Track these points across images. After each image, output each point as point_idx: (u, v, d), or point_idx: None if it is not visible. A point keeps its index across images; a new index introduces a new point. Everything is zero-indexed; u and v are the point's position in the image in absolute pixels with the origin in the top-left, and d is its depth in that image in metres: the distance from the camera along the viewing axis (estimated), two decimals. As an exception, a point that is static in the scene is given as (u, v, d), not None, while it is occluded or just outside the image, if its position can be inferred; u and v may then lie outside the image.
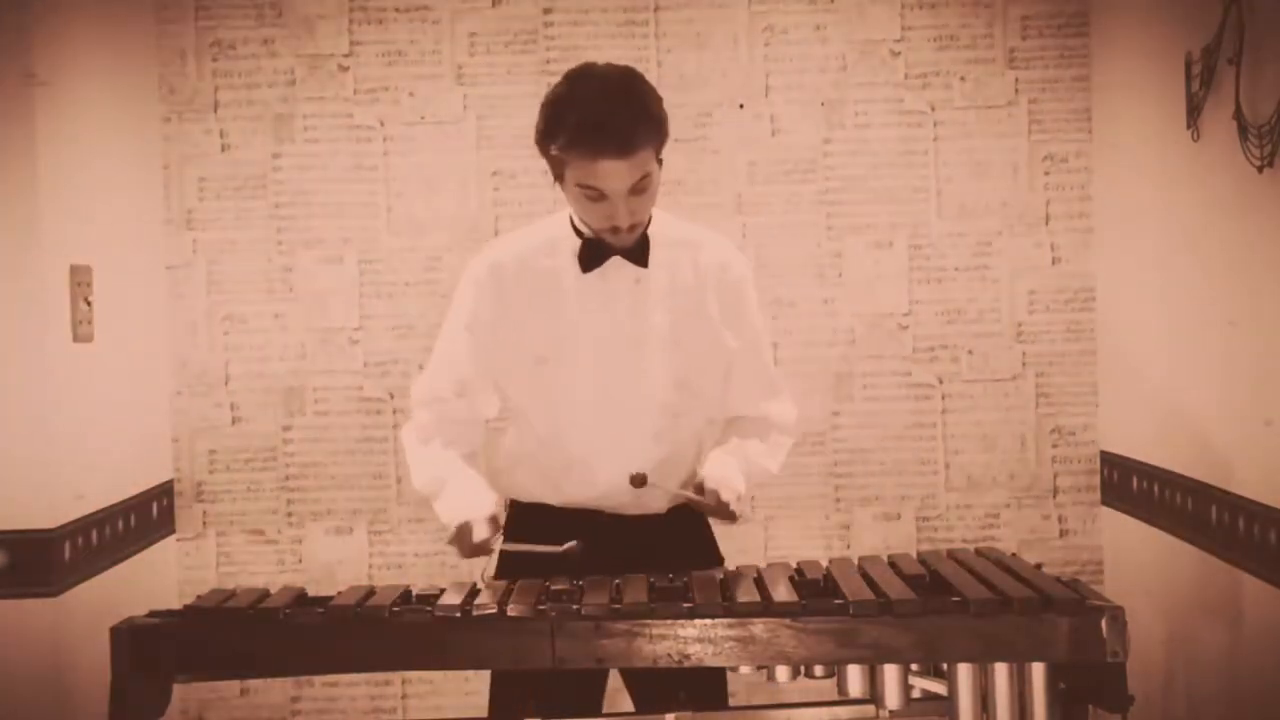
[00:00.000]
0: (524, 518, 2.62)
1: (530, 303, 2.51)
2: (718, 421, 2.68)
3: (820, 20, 3.89)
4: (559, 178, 2.43)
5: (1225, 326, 3.02)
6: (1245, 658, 2.98)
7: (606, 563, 2.37)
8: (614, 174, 2.34)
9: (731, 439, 2.63)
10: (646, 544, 2.50)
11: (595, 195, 2.38)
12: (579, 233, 2.50)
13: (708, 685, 2.41)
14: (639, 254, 2.48)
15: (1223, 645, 3.09)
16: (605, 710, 2.59)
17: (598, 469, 2.52)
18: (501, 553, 2.57)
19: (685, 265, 2.54)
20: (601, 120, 2.32)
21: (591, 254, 2.48)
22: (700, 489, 2.47)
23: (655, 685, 2.37)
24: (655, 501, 2.56)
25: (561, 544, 2.42)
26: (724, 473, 2.51)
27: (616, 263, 2.48)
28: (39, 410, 2.97)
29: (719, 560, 2.66)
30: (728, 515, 2.48)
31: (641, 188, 2.39)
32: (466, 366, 2.56)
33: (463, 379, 2.57)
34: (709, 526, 2.69)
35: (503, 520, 2.49)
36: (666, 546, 2.52)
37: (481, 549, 2.43)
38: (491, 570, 2.57)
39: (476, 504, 2.46)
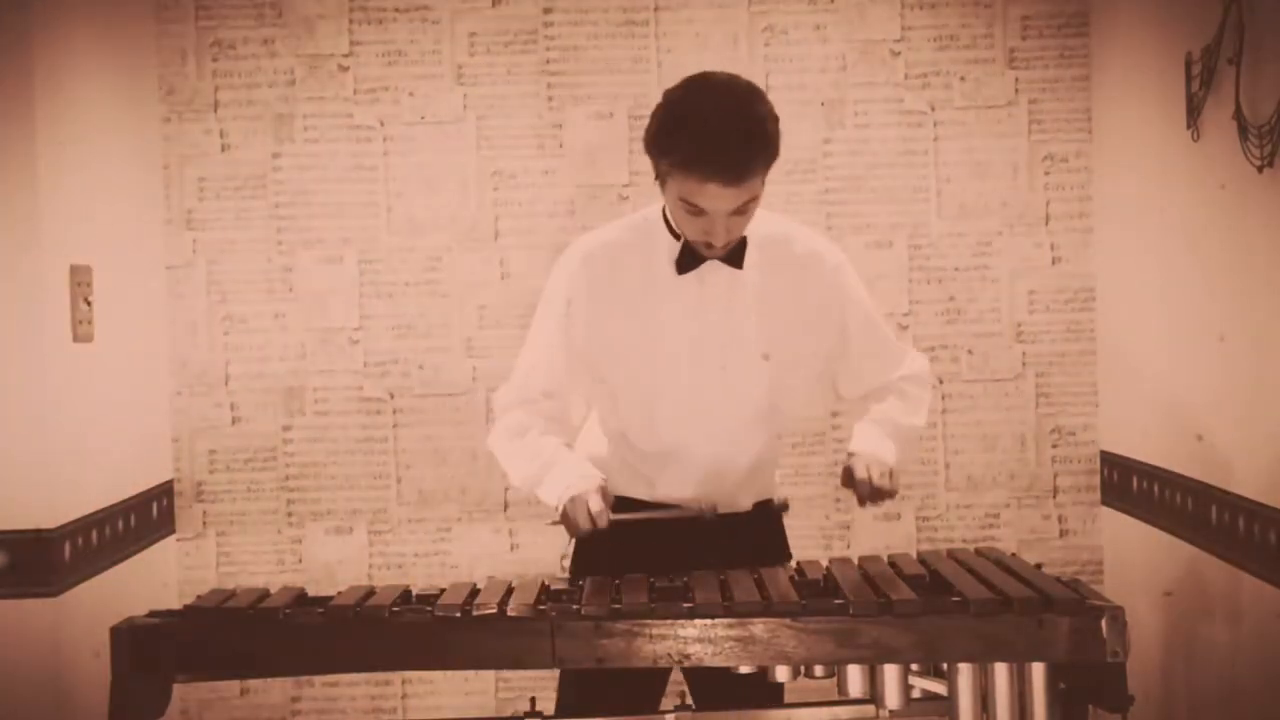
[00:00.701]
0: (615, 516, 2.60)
1: (624, 299, 2.49)
2: (842, 396, 2.69)
3: (820, 20, 3.89)
4: (660, 180, 2.39)
5: (1225, 326, 3.02)
6: (1245, 658, 2.98)
7: (682, 558, 2.36)
8: (720, 198, 2.31)
9: (870, 406, 2.60)
10: (725, 541, 2.49)
11: (695, 211, 2.34)
12: (674, 233, 2.47)
13: (763, 681, 2.39)
14: (735, 256, 2.45)
15: (1223, 645, 3.09)
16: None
17: (691, 468, 2.52)
18: (596, 538, 2.50)
19: (780, 261, 2.51)
20: (718, 147, 2.25)
21: (688, 256, 2.45)
22: (849, 477, 2.44)
23: (711, 683, 2.36)
24: (741, 498, 2.56)
25: (650, 542, 2.41)
26: (870, 448, 2.49)
27: (712, 264, 2.45)
28: (39, 410, 2.97)
29: (788, 557, 2.65)
30: (885, 494, 2.44)
31: (744, 210, 2.36)
32: (559, 365, 2.53)
33: (552, 378, 2.54)
34: (783, 526, 2.69)
35: (611, 497, 2.46)
36: (743, 543, 2.51)
37: (595, 521, 2.39)
38: (569, 559, 2.56)
39: (586, 476, 2.44)
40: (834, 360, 2.61)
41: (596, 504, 2.39)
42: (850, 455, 2.50)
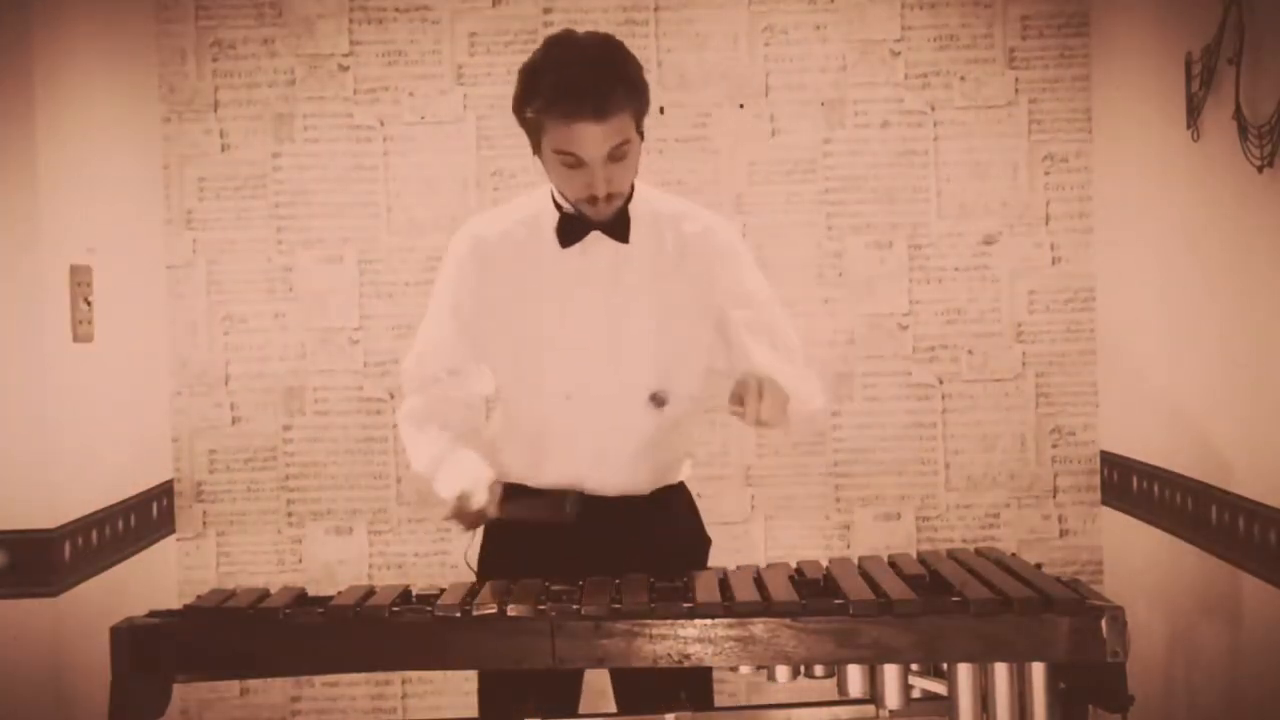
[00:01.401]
0: (507, 498, 2.58)
1: (511, 278, 2.49)
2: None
3: (820, 20, 3.89)
4: (536, 147, 2.40)
5: (1225, 326, 3.02)
6: (1245, 658, 2.98)
7: (592, 546, 2.37)
8: (590, 138, 2.31)
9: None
10: (632, 525, 2.48)
11: (572, 162, 2.35)
12: (559, 208, 2.47)
13: (695, 684, 2.39)
14: (619, 229, 2.45)
15: (1223, 645, 3.09)
16: (594, 711, 2.59)
17: (579, 447, 2.49)
18: (487, 531, 2.55)
19: (668, 237, 2.50)
20: (577, 82, 2.29)
21: (570, 229, 2.45)
22: (738, 398, 2.31)
23: (640, 685, 2.36)
24: (639, 482, 2.53)
25: (551, 532, 2.39)
26: (761, 375, 2.35)
27: (596, 238, 2.44)
28: (39, 410, 2.97)
29: (706, 540, 2.64)
30: (771, 415, 2.29)
31: (619, 154, 2.35)
32: (454, 343, 2.54)
33: (452, 358, 2.54)
34: (695, 507, 2.66)
35: (499, 491, 2.44)
36: (652, 527, 2.50)
37: (480, 518, 2.40)
38: (475, 551, 2.56)
39: (474, 473, 2.43)
40: (721, 340, 2.53)
41: (480, 499, 2.37)
42: (739, 381, 2.34)
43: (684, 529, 2.63)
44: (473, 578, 2.53)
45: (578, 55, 2.35)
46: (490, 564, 2.58)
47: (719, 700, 3.72)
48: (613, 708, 2.57)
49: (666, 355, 2.49)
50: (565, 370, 2.48)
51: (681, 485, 2.65)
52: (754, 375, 2.33)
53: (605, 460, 2.50)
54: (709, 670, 2.28)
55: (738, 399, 2.31)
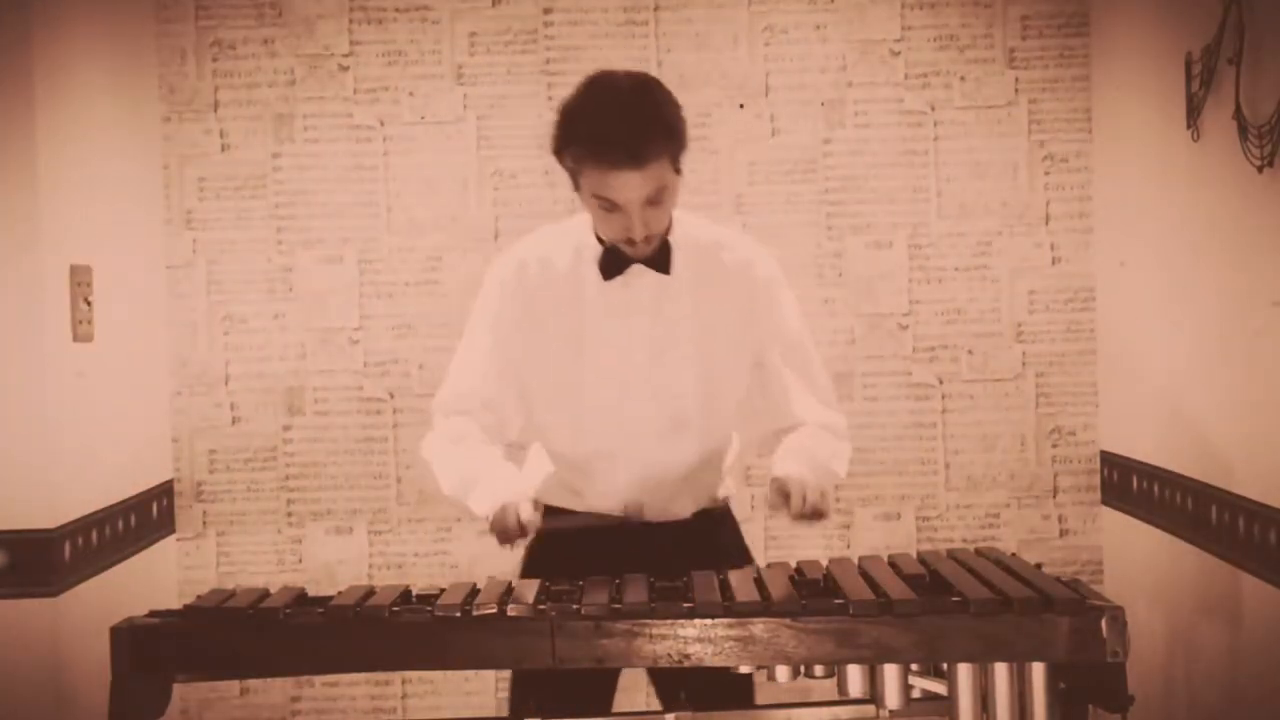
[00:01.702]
0: (548, 522, 2.60)
1: (553, 307, 2.49)
2: (757, 431, 2.61)
3: (820, 20, 3.89)
4: (575, 186, 2.41)
5: (1225, 326, 3.02)
6: (1245, 658, 2.98)
7: (634, 570, 2.32)
8: (627, 186, 2.31)
9: (791, 443, 2.50)
10: (674, 549, 2.46)
11: (609, 206, 2.35)
12: (600, 239, 2.47)
13: (734, 680, 2.35)
14: (661, 261, 2.45)
15: (1223, 645, 3.09)
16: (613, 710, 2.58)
17: (618, 476, 2.50)
18: (529, 553, 2.54)
19: (709, 268, 2.50)
20: (613, 132, 2.28)
21: (612, 262, 2.45)
22: (784, 495, 2.34)
23: (679, 683, 2.34)
24: (678, 507, 2.54)
25: (587, 546, 2.39)
26: (797, 468, 2.38)
27: (638, 270, 2.45)
28: (39, 410, 2.97)
29: (750, 561, 2.62)
30: (819, 514, 2.35)
31: (656, 200, 2.35)
32: (491, 374, 2.52)
33: (487, 389, 2.52)
34: (738, 529, 2.67)
35: (542, 507, 2.41)
36: (695, 551, 2.47)
37: (522, 532, 2.35)
38: (518, 568, 2.56)
39: (515, 486, 2.40)
40: (756, 375, 2.55)
41: (527, 512, 2.33)
42: (775, 479, 2.39)
43: (727, 551, 2.60)
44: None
45: (615, 100, 2.33)
46: (527, 571, 2.56)
47: (719, 700, 3.73)
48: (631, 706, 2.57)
49: (706, 386, 2.50)
50: (606, 400, 2.48)
51: (725, 507, 2.65)
52: (797, 479, 2.34)
53: (645, 488, 2.50)
54: (749, 676, 2.26)
55: (783, 498, 2.33)
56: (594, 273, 2.47)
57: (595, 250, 2.47)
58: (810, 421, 2.53)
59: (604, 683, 2.51)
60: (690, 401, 2.49)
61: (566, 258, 2.50)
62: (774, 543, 3.87)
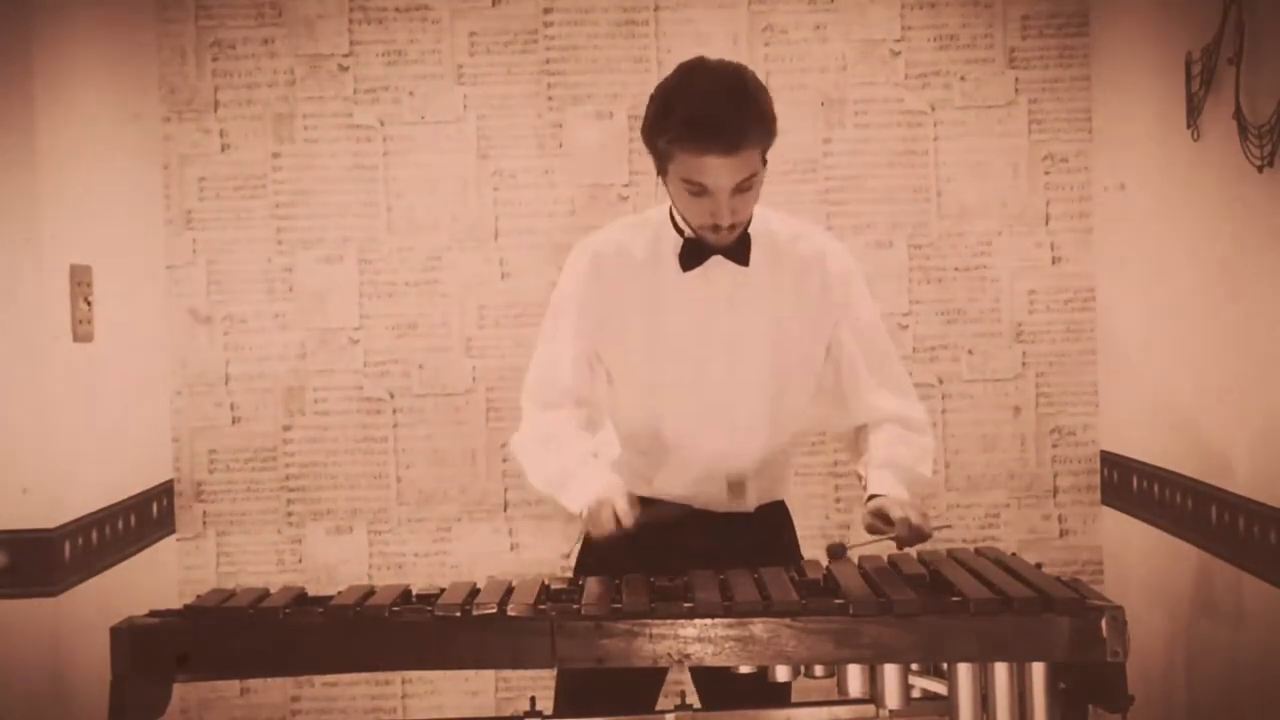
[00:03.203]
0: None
1: (631, 297, 2.50)
2: (833, 425, 2.63)
3: (820, 20, 3.89)
4: (662, 170, 2.42)
5: (1225, 326, 3.02)
6: (1245, 658, 2.98)
7: (694, 561, 2.34)
8: (719, 171, 2.32)
9: (877, 451, 2.52)
10: (735, 541, 2.49)
11: (698, 190, 2.36)
12: (679, 230, 2.49)
13: (776, 692, 2.35)
14: (740, 253, 2.46)
15: (1223, 645, 3.09)
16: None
17: (691, 465, 2.52)
18: (587, 542, 2.54)
19: (786, 260, 2.52)
20: (711, 116, 2.30)
21: (692, 253, 2.47)
22: (887, 520, 2.36)
23: (719, 682, 2.34)
24: (746, 500, 2.56)
25: (647, 533, 2.38)
26: (892, 491, 2.42)
27: (717, 261, 2.46)
28: (39, 410, 2.97)
29: (799, 559, 2.63)
30: (922, 536, 2.37)
31: (746, 186, 2.37)
32: (578, 368, 2.52)
33: (577, 384, 2.53)
34: (793, 527, 2.68)
35: (636, 501, 2.40)
36: (754, 543, 2.50)
37: (621, 521, 2.34)
38: (573, 557, 2.57)
39: (609, 480, 2.40)
40: (830, 367, 2.57)
41: (623, 505, 2.35)
42: (872, 499, 2.43)
43: (784, 546, 2.63)
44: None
45: (712, 86, 2.35)
46: (588, 571, 2.54)
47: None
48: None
49: (780, 378, 2.52)
50: (681, 390, 2.50)
51: (782, 503, 2.66)
52: (897, 504, 2.37)
53: (716, 479, 2.52)
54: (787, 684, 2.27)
55: (883, 522, 2.36)
56: (673, 264, 2.49)
57: (675, 241, 2.49)
58: (889, 415, 2.56)
59: (650, 682, 2.51)
60: (764, 394, 2.51)
61: (645, 248, 2.52)
62: (774, 543, 3.87)
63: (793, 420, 2.59)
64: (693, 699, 2.43)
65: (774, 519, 2.64)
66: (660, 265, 2.50)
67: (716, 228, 2.41)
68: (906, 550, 2.42)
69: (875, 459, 2.52)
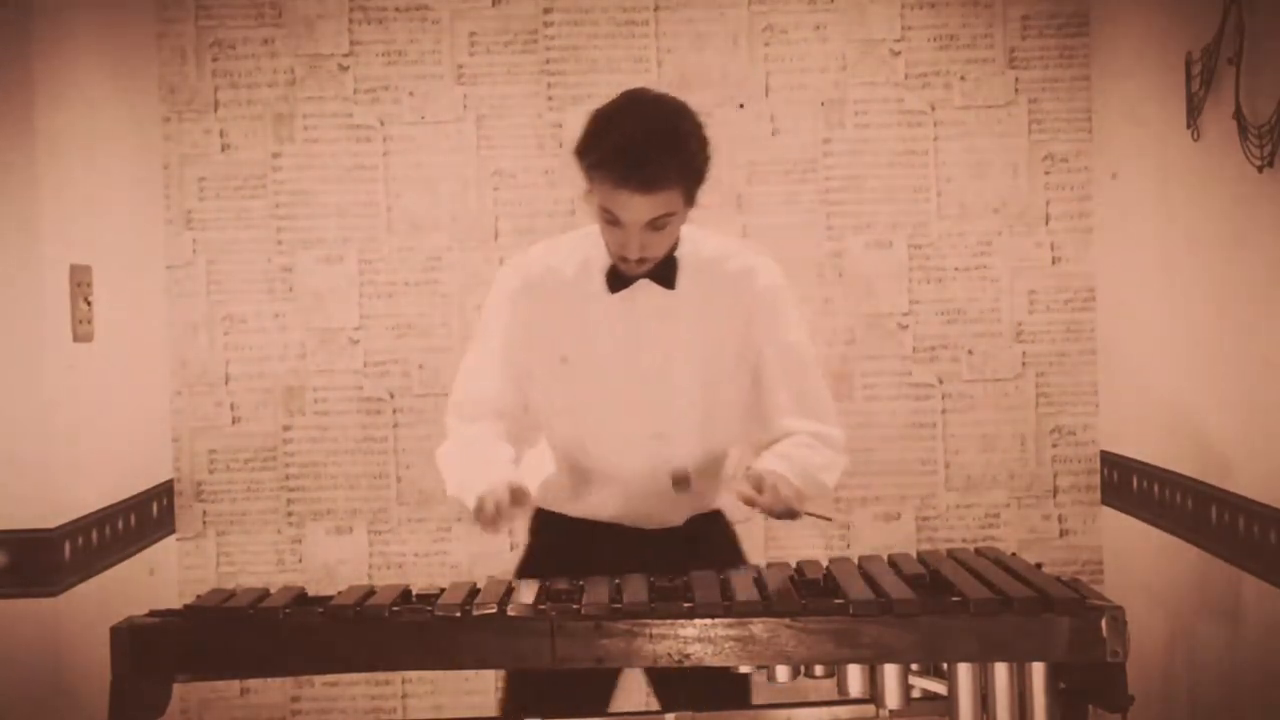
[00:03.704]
0: (552, 526, 2.62)
1: (559, 318, 2.51)
2: (750, 442, 2.62)
3: (820, 20, 3.89)
4: (589, 191, 2.42)
5: (1225, 326, 3.02)
6: (1245, 658, 2.98)
7: (616, 572, 2.33)
8: (633, 206, 2.33)
9: (778, 447, 2.51)
10: (669, 557, 2.46)
11: (612, 220, 2.37)
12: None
13: (730, 680, 2.37)
14: (666, 276, 2.47)
15: (1223, 645, 3.09)
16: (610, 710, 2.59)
17: (617, 484, 2.52)
18: (528, 552, 2.58)
19: (713, 281, 2.51)
20: (635, 151, 2.30)
21: (619, 275, 2.47)
22: (759, 485, 2.33)
23: (676, 682, 2.35)
24: (672, 514, 2.55)
25: (584, 551, 2.42)
26: (778, 467, 2.40)
27: (644, 284, 2.47)
28: (39, 410, 2.97)
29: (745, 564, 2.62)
30: (789, 512, 2.34)
31: (660, 225, 2.37)
32: (503, 385, 2.53)
33: (501, 400, 2.53)
34: (734, 534, 2.67)
35: (523, 494, 2.36)
36: (688, 557, 2.46)
37: (499, 517, 2.30)
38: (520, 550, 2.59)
39: (497, 476, 2.35)
40: (752, 385, 2.55)
41: (504, 498, 2.30)
42: (749, 470, 2.39)
43: (722, 554, 2.59)
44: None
45: (644, 123, 2.35)
46: (523, 571, 2.58)
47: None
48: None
49: (706, 396, 2.52)
50: (608, 410, 2.50)
51: (718, 514, 2.65)
52: (771, 472, 2.34)
53: (643, 497, 2.52)
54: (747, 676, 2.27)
55: (756, 488, 2.32)
56: (601, 285, 2.49)
57: (603, 263, 2.49)
58: (804, 431, 2.52)
59: (603, 683, 2.51)
60: (692, 413, 2.51)
61: (574, 269, 2.52)
62: (774, 543, 3.87)
63: (719, 438, 2.57)
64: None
65: (707, 530, 2.62)
66: (589, 286, 2.50)
67: (625, 259, 2.42)
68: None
69: (775, 450, 2.48)
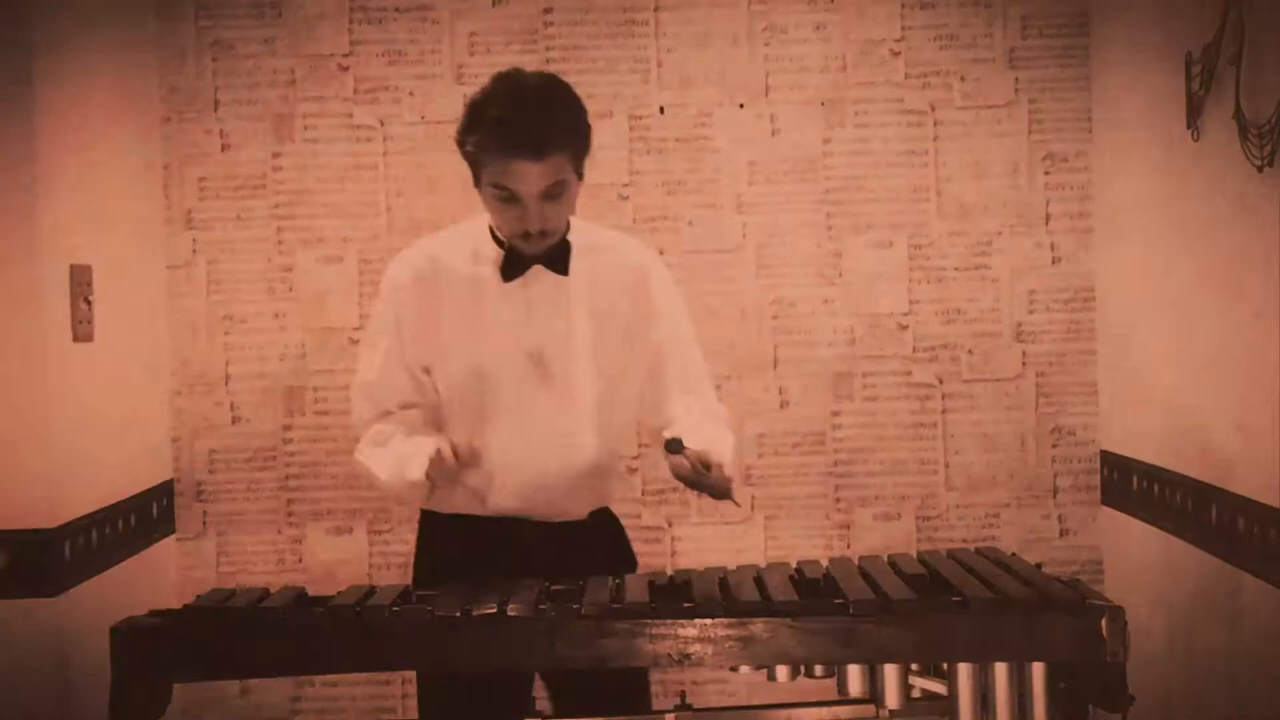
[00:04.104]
0: (446, 530, 2.60)
1: (453, 310, 2.51)
2: (645, 428, 2.68)
3: (820, 20, 3.89)
4: (476, 180, 2.45)
5: (1225, 325, 3.02)
6: (1245, 658, 2.98)
7: (528, 568, 2.35)
8: (527, 175, 2.36)
9: (686, 419, 2.53)
10: (568, 550, 2.50)
11: (508, 196, 2.39)
12: (499, 241, 2.51)
13: (628, 686, 2.40)
14: (560, 262, 2.49)
15: (1223, 645, 3.09)
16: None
17: (521, 476, 2.51)
18: (421, 546, 2.63)
19: (603, 270, 2.55)
20: (518, 119, 2.34)
21: (513, 263, 2.49)
22: (704, 463, 2.36)
23: (573, 688, 2.38)
24: (575, 507, 2.57)
25: (484, 550, 2.45)
26: (713, 447, 2.42)
27: (537, 271, 2.49)
28: (39, 410, 2.97)
29: (634, 564, 2.66)
30: (726, 493, 2.40)
31: (554, 193, 2.39)
32: (402, 376, 2.54)
33: (402, 391, 2.54)
34: (624, 533, 2.70)
35: (464, 446, 2.37)
36: (586, 551, 2.52)
37: (463, 461, 2.32)
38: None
39: (431, 442, 2.38)
40: (647, 372, 2.60)
41: (462, 444, 2.32)
42: (670, 436, 2.38)
43: (616, 552, 2.65)
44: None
45: (521, 94, 2.39)
46: (423, 582, 2.54)
47: (720, 700, 3.74)
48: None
49: (603, 386, 2.54)
50: (508, 403, 2.50)
51: (609, 509, 2.67)
52: (719, 461, 2.38)
53: (548, 489, 2.52)
54: (644, 670, 2.28)
55: (704, 466, 2.34)
56: (494, 275, 2.50)
57: (495, 253, 2.51)
58: (693, 407, 2.58)
59: (514, 691, 2.43)
60: (589, 402, 2.53)
61: (465, 260, 2.53)
62: (774, 543, 3.88)
63: (619, 427, 2.62)
64: (692, 699, 2.43)
65: (606, 526, 2.65)
66: (481, 276, 2.51)
67: (527, 234, 2.42)
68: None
69: (688, 420, 2.51)
